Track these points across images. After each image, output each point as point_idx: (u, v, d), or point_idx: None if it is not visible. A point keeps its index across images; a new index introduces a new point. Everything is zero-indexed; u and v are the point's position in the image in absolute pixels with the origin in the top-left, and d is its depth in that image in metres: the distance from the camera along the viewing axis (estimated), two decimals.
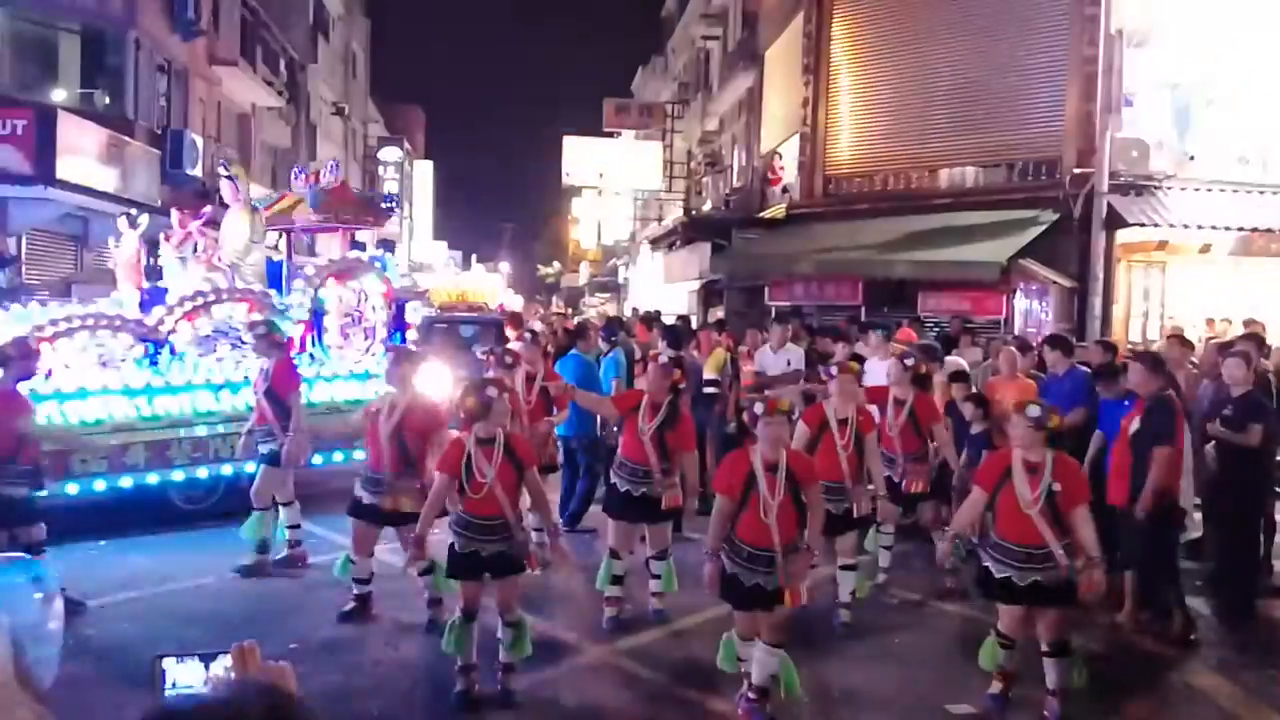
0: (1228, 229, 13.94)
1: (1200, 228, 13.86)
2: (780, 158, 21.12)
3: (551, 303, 54.12)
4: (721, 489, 5.05)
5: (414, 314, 10.75)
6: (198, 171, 19.95)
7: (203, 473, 8.60)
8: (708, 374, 10.02)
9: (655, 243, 29.14)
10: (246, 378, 8.57)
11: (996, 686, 5.31)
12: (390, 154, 42.67)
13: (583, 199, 39.15)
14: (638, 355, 10.68)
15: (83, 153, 15.73)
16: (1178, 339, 9.92)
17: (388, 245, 10.86)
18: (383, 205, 10.38)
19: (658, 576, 6.59)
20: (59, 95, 18.08)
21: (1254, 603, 7.14)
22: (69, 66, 18.85)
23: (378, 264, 10.15)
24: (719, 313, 20.88)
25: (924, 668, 5.93)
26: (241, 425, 8.23)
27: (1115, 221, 14.05)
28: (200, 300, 8.71)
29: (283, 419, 7.44)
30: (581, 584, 7.44)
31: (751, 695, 5.02)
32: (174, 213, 9.69)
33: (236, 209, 9.35)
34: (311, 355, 9.28)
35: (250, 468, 8.11)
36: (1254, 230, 13.96)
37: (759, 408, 5.01)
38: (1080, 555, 4.95)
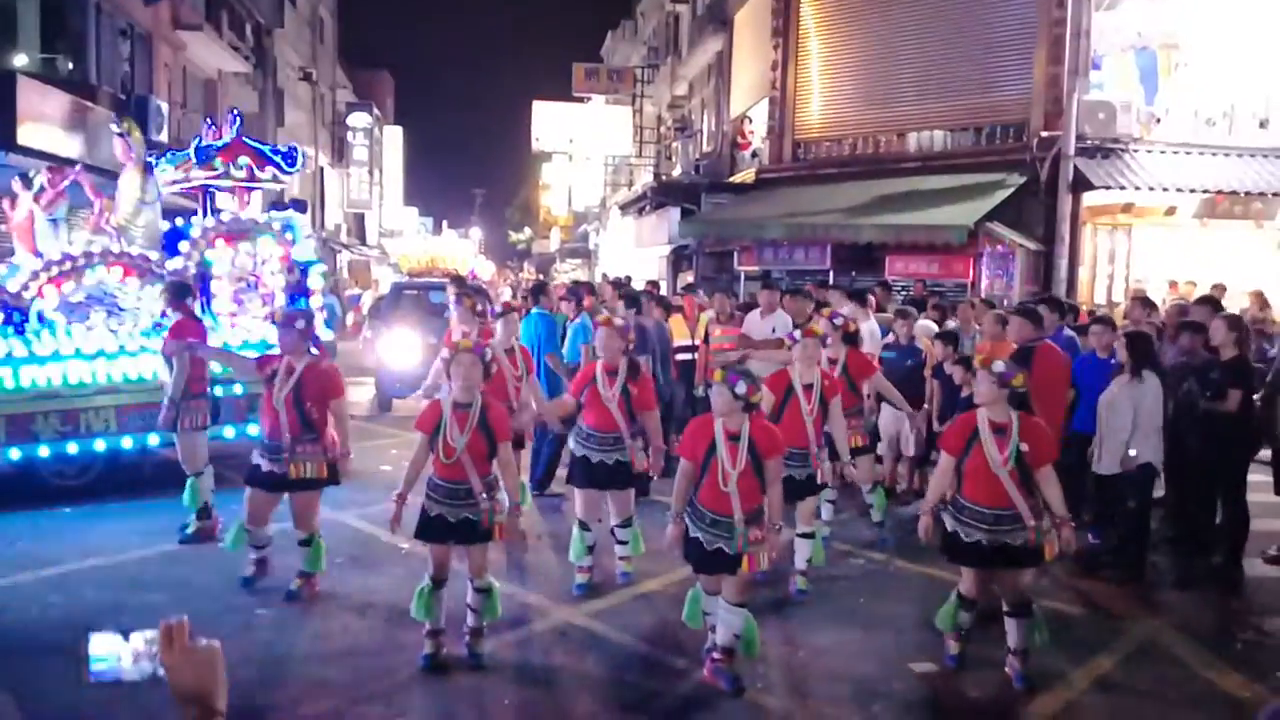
0: (1193, 191, 14.05)
1: (1166, 190, 13.97)
2: (749, 122, 21.06)
3: (523, 269, 53.91)
4: (685, 453, 5.05)
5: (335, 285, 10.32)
6: (164, 137, 19.61)
7: (73, 448, 8.20)
8: (695, 339, 10.11)
9: (625, 208, 29.02)
10: (123, 346, 8.35)
11: (954, 647, 5.37)
12: (359, 120, 42.10)
13: (553, 164, 38.95)
14: None
15: (45, 118, 15.43)
16: (1140, 300, 10.04)
17: (299, 205, 10.25)
18: (287, 162, 9.55)
19: (624, 543, 6.57)
20: (19, 60, 17.67)
21: (1240, 562, 7.21)
22: (29, 31, 18.37)
23: (277, 224, 9.55)
24: (689, 278, 20.87)
25: (887, 627, 6.00)
26: (117, 396, 8.15)
27: (1082, 184, 14.14)
28: (68, 265, 8.26)
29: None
30: (548, 547, 7.50)
31: (717, 655, 5.06)
32: (44, 171, 9.20)
33: (129, 168, 8.90)
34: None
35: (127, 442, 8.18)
36: (1219, 193, 14.09)
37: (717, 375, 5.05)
38: (1046, 515, 4.96)
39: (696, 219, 19.61)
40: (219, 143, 9.31)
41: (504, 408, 5.52)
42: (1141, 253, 15.29)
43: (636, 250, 26.80)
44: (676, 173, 25.21)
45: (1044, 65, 14.86)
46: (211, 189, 9.66)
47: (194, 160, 9.13)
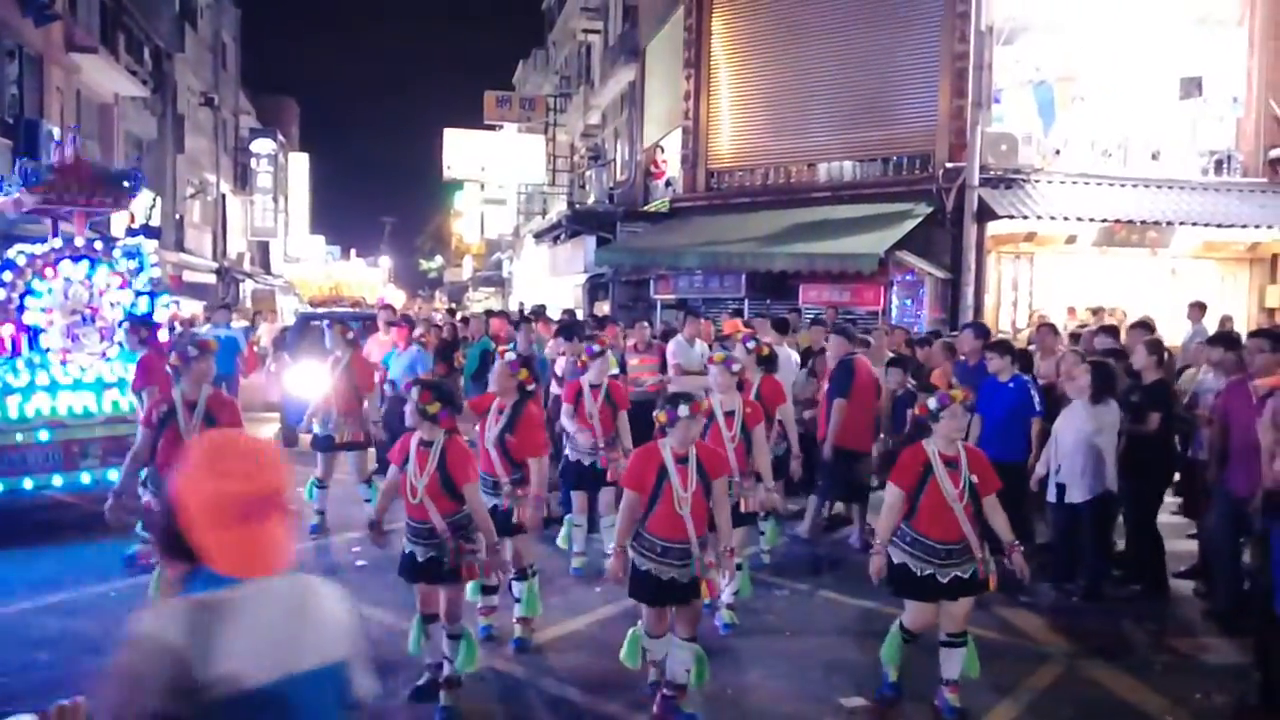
0: (1091, 220, 14.51)
1: (1066, 219, 14.39)
2: (663, 151, 21.15)
3: (435, 298, 53.20)
4: (630, 484, 4.93)
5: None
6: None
7: None
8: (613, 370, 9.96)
9: (539, 236, 28.85)
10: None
11: (893, 674, 5.31)
12: (263, 146, 41.05)
13: (465, 192, 38.58)
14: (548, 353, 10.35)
15: None
16: (1048, 327, 10.29)
17: (150, 231, 9.62)
18: (127, 184, 8.94)
19: (520, 600, 6.05)
20: None
21: (1165, 584, 7.33)
22: None
23: (117, 251, 9.01)
24: (605, 306, 20.80)
25: (816, 660, 5.91)
26: None
27: (986, 214, 14.48)
28: None
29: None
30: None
31: (668, 692, 4.97)
32: None
33: None
34: (29, 361, 8.33)
35: None
36: (1116, 221, 14.56)
37: (684, 410, 4.82)
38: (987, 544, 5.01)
39: (612, 247, 19.57)
40: (51, 164, 8.72)
41: (466, 447, 5.31)
42: (1043, 280, 15.71)
43: (551, 279, 26.64)
44: (591, 201, 25.16)
45: (948, 98, 15.23)
46: (58, 214, 8.99)
47: (20, 182, 8.50)
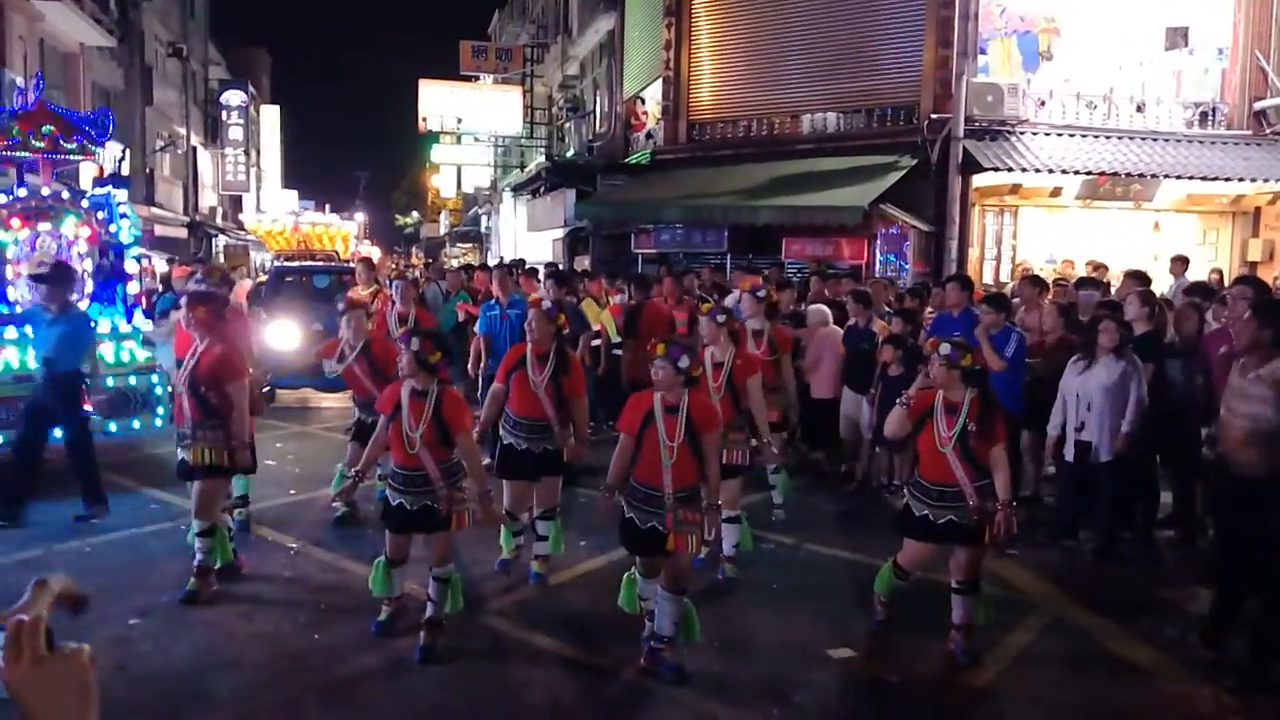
0: (1076, 173, 14.41)
1: (1051, 172, 14.28)
2: (643, 103, 20.83)
3: (411, 253, 52.67)
4: (623, 428, 4.99)
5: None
6: None
7: None
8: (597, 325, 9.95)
9: (518, 190, 28.48)
10: None
11: (881, 613, 5.40)
12: (233, 98, 40.23)
13: (442, 145, 37.99)
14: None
15: None
16: (1030, 279, 10.24)
17: (119, 182, 9.23)
18: (96, 131, 8.62)
19: (544, 538, 6.25)
20: None
21: (1153, 536, 7.37)
22: None
23: (85, 201, 8.75)
24: (585, 261, 20.59)
25: (803, 613, 5.87)
26: None
27: (971, 166, 14.35)
28: None
29: None
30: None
31: (656, 644, 4.96)
32: None
33: None
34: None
35: None
36: (1100, 174, 14.47)
37: (673, 357, 4.84)
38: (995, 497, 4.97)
39: (593, 200, 19.30)
40: (13, 111, 8.46)
41: (460, 395, 5.33)
42: (1028, 234, 15.65)
43: (530, 234, 26.34)
44: (570, 154, 24.82)
45: (933, 48, 15.03)
46: (24, 162, 8.68)
47: None
